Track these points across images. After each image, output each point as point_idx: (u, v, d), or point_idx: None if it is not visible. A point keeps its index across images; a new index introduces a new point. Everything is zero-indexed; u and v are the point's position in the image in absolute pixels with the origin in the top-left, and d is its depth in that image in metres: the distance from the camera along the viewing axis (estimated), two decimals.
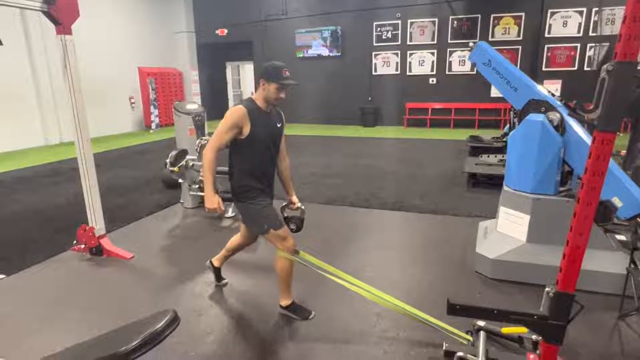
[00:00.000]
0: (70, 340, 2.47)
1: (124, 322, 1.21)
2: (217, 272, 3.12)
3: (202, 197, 5.03)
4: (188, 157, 4.77)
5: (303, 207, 2.80)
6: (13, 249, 3.94)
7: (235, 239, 2.94)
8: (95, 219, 3.68)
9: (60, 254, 3.77)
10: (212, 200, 2.42)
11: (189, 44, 14.62)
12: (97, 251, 3.69)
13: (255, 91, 2.59)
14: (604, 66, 1.65)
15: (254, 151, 2.53)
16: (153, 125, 12.85)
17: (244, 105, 2.49)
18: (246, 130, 2.47)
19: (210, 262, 3.09)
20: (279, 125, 2.66)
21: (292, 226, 2.74)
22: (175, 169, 4.60)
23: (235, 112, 2.46)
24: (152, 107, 12.83)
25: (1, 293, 3.15)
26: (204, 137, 4.93)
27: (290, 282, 2.69)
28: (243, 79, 15.98)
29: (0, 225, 4.65)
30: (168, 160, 4.62)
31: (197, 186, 4.93)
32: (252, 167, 2.55)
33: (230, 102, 16.31)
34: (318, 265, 2.69)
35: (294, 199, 2.82)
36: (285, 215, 2.78)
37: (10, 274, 3.41)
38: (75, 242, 3.73)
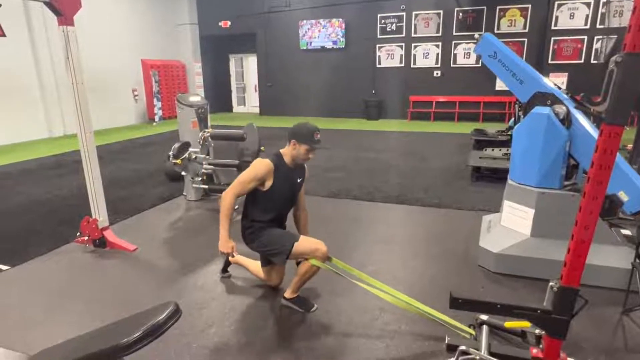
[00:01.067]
0: (73, 331, 2.48)
1: (126, 314, 1.21)
2: (227, 264, 3.17)
3: (205, 190, 5.04)
4: (191, 149, 4.76)
5: None
6: (17, 240, 3.96)
7: (259, 273, 2.96)
8: (99, 211, 3.69)
9: (63, 245, 3.79)
10: (227, 246, 2.54)
11: (192, 36, 14.57)
12: (101, 243, 3.70)
13: (285, 146, 2.65)
14: (613, 58, 1.62)
15: (269, 203, 2.63)
16: (156, 118, 12.85)
17: (271, 160, 2.56)
18: (268, 184, 2.56)
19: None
20: (299, 181, 2.74)
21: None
22: (178, 161, 4.60)
23: (262, 166, 2.54)
24: (155, 100, 12.82)
25: (5, 284, 3.17)
26: (206, 130, 4.92)
27: (306, 282, 2.68)
28: (246, 71, 15.91)
29: (4, 217, 4.67)
30: (171, 153, 4.62)
31: (200, 179, 4.93)
32: (265, 214, 2.64)
33: (234, 95, 16.29)
34: (350, 272, 2.67)
35: None
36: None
37: (14, 265, 3.43)
38: (78, 234, 3.75)
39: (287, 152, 2.61)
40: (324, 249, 2.52)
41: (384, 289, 2.57)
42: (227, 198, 2.51)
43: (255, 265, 3.00)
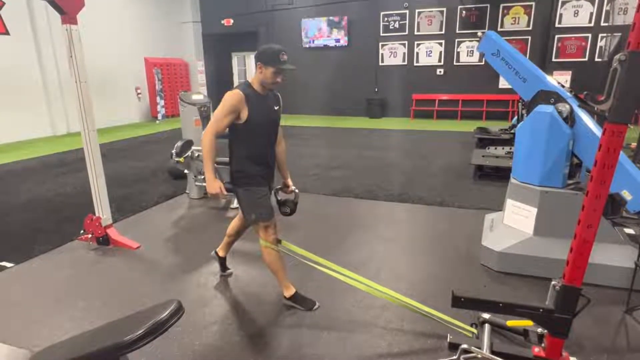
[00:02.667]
0: (76, 328, 2.50)
1: (129, 311, 1.21)
2: (222, 261, 3.14)
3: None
4: (194, 147, 4.77)
5: (297, 190, 2.82)
6: (21, 238, 3.98)
7: (234, 223, 2.97)
8: (102, 209, 3.71)
9: (67, 243, 3.81)
10: (214, 185, 2.43)
11: (195, 34, 14.57)
12: (104, 241, 3.72)
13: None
14: (617, 56, 1.61)
15: (252, 135, 2.52)
16: (159, 116, 12.88)
17: (240, 89, 2.46)
18: (244, 114, 2.45)
19: (215, 252, 3.11)
20: (276, 108, 2.64)
21: (286, 209, 2.77)
22: (181, 159, 4.61)
23: (232, 96, 2.43)
24: (158, 98, 12.84)
25: (10, 281, 3.20)
26: None
27: (283, 271, 2.69)
28: (249, 69, 15.91)
29: (8, 214, 4.70)
30: (174, 151, 4.63)
31: (203, 177, 4.93)
32: (250, 151, 2.54)
33: None
34: (303, 255, 2.71)
35: (289, 182, 2.84)
36: (279, 198, 2.79)
37: (18, 262, 3.45)
38: (82, 231, 3.77)
39: (255, 78, 2.51)
40: (273, 234, 2.60)
41: (344, 272, 2.63)
42: (207, 139, 2.42)
43: (230, 228, 2.99)
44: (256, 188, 2.57)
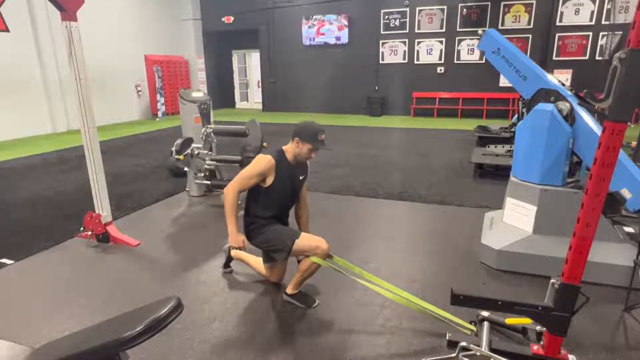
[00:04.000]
0: (76, 325, 2.51)
1: (128, 308, 1.21)
2: (229, 259, 3.18)
3: (207, 186, 5.05)
4: (193, 145, 4.77)
5: None
6: (21, 235, 3.99)
7: (261, 269, 2.97)
8: (102, 206, 3.71)
9: (67, 240, 3.82)
10: (237, 240, 2.56)
11: (195, 32, 14.54)
12: (104, 238, 3.72)
13: (288, 143, 2.64)
14: (617, 54, 1.61)
15: (271, 199, 2.62)
16: (159, 114, 12.87)
17: (273, 156, 2.55)
18: (269, 180, 2.55)
19: (230, 247, 3.12)
20: (301, 178, 2.73)
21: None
22: (181, 157, 4.61)
23: (264, 162, 2.53)
24: (158, 95, 12.83)
25: (10, 278, 3.20)
26: (209, 126, 4.92)
27: (307, 278, 2.70)
28: (249, 67, 15.89)
29: (9, 211, 4.70)
30: (174, 149, 4.63)
31: (203, 174, 4.94)
32: (266, 210, 2.64)
33: (237, 91, 16.27)
34: (351, 270, 2.68)
35: None
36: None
37: (18, 259, 3.46)
38: (82, 228, 3.77)
39: (290, 149, 2.61)
40: (324, 247, 2.52)
41: (385, 286, 2.57)
42: (230, 194, 2.52)
43: (256, 261, 3.01)
44: (270, 227, 2.64)
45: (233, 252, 3.11)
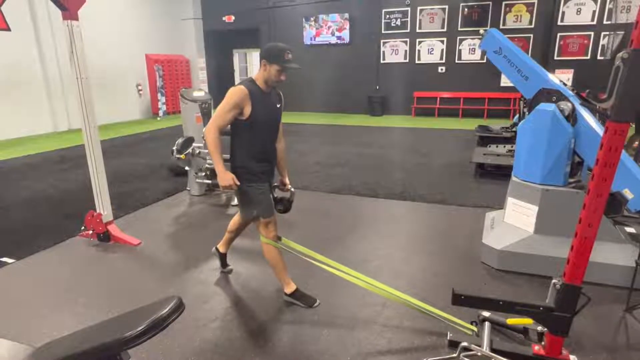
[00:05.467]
0: (77, 324, 2.51)
1: (130, 307, 1.21)
2: (222, 258, 3.15)
3: (208, 185, 5.05)
4: (195, 144, 4.77)
5: (293, 189, 2.83)
6: (22, 234, 3.99)
7: (235, 219, 2.97)
8: (103, 206, 3.71)
9: (68, 239, 3.82)
10: (226, 177, 2.44)
11: (196, 31, 14.54)
12: (105, 237, 3.72)
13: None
14: (619, 54, 1.61)
15: (254, 132, 2.52)
16: (160, 113, 12.87)
17: (245, 85, 2.47)
18: (247, 110, 2.46)
19: (216, 248, 3.12)
20: (278, 106, 2.66)
21: (280, 207, 2.77)
22: (182, 156, 4.61)
23: (236, 92, 2.43)
24: (159, 95, 12.83)
25: (11, 277, 3.21)
26: None
27: (283, 268, 2.71)
28: (250, 66, 15.89)
29: (10, 210, 4.71)
30: (175, 148, 4.64)
31: (204, 174, 4.94)
32: (252, 148, 2.55)
33: None
34: (303, 252, 2.72)
35: (286, 180, 2.85)
36: (275, 195, 2.80)
37: (19, 258, 3.46)
38: (83, 228, 3.77)
39: (259, 75, 2.52)
40: (273, 231, 2.64)
41: (343, 269, 2.64)
42: (210, 134, 2.42)
43: (231, 225, 2.99)
44: (257, 184, 2.58)
45: (220, 247, 3.10)
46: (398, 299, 2.54)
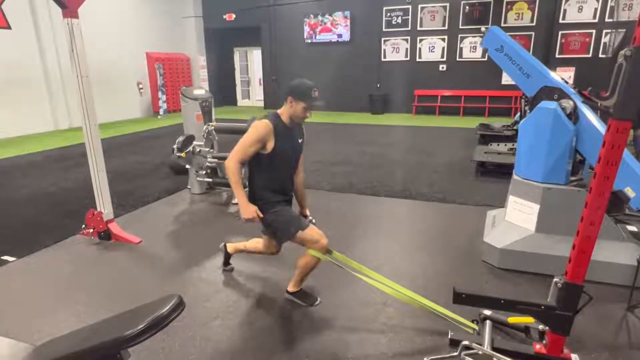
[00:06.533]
0: (78, 323, 2.51)
1: (130, 306, 1.21)
2: (227, 257, 3.16)
3: (209, 183, 5.05)
4: (195, 143, 4.77)
5: (314, 220, 2.78)
6: (23, 232, 3.99)
7: (257, 245, 2.93)
8: (104, 204, 3.71)
9: (69, 238, 3.82)
10: (249, 210, 2.44)
11: (197, 29, 14.51)
12: (105, 235, 3.72)
13: (282, 105, 2.56)
14: (622, 52, 1.60)
15: (274, 166, 2.54)
16: (161, 111, 12.86)
17: (270, 120, 2.47)
18: (270, 145, 2.47)
19: (225, 245, 3.11)
20: (300, 141, 2.67)
21: None
22: (183, 154, 4.61)
23: (261, 127, 2.44)
24: (159, 93, 12.82)
25: (12, 275, 3.21)
26: (211, 123, 4.92)
27: (308, 275, 2.69)
28: (251, 64, 15.87)
29: (10, 208, 4.71)
30: (175, 146, 4.63)
31: (204, 172, 4.93)
32: (271, 181, 2.57)
33: (238, 88, 16.26)
34: (350, 265, 2.65)
35: (307, 212, 2.82)
36: None
37: (20, 256, 3.46)
38: (83, 226, 3.77)
39: (284, 111, 2.52)
40: (324, 242, 2.51)
41: (385, 282, 2.57)
42: (232, 166, 2.41)
43: (252, 243, 2.96)
44: (278, 207, 2.58)
45: (229, 247, 3.09)
46: (425, 308, 2.47)
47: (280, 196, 2.61)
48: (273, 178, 2.56)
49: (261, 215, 2.48)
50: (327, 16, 12.90)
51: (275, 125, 2.47)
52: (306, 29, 13.24)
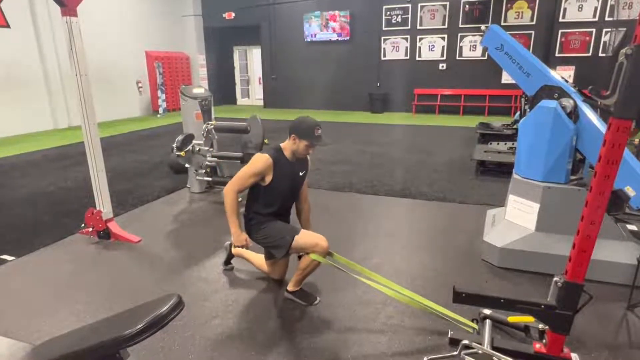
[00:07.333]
0: (77, 322, 2.51)
1: (129, 305, 1.21)
2: (229, 256, 3.17)
3: (209, 182, 5.05)
4: (195, 142, 4.76)
5: None
6: (22, 231, 3.99)
7: (262, 264, 2.95)
8: (103, 203, 3.70)
9: (68, 237, 3.81)
10: (240, 239, 2.57)
11: (197, 28, 14.50)
12: (105, 234, 3.72)
13: (286, 140, 2.62)
14: (623, 50, 1.59)
15: (271, 197, 2.61)
16: (160, 110, 12.85)
17: (271, 155, 2.53)
18: (268, 179, 2.54)
19: (230, 245, 3.13)
20: (301, 174, 2.70)
21: None
22: (182, 153, 4.60)
23: (261, 161, 2.50)
24: (159, 92, 12.81)
25: (11, 274, 3.20)
26: (210, 122, 4.91)
27: (308, 276, 2.69)
28: (250, 63, 15.85)
29: (10, 208, 4.70)
30: (175, 145, 4.62)
31: (204, 171, 4.93)
32: (266, 209, 2.63)
33: (238, 87, 16.25)
34: (351, 267, 2.64)
35: None
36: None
37: (19, 256, 3.46)
38: (83, 225, 3.77)
39: (287, 146, 2.59)
40: (324, 244, 2.50)
41: (386, 284, 2.56)
42: (229, 195, 2.52)
43: (258, 259, 2.99)
44: (270, 224, 2.62)
45: (234, 250, 3.10)
46: (426, 308, 2.45)
47: (275, 219, 2.67)
48: (270, 206, 2.64)
49: (250, 243, 2.60)
50: (326, 14, 12.87)
51: (276, 160, 2.53)
52: (306, 27, 13.22)
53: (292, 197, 2.77)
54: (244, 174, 2.52)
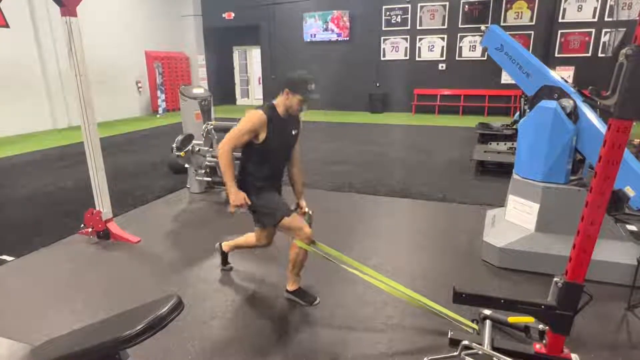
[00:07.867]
0: (76, 323, 2.50)
1: (129, 305, 1.21)
2: (224, 256, 3.15)
3: (208, 183, 5.04)
4: (194, 142, 4.75)
5: (311, 212, 2.77)
6: (22, 231, 3.98)
7: (250, 238, 2.93)
8: (102, 203, 3.70)
9: (67, 237, 3.80)
10: (238, 197, 2.46)
11: (196, 28, 14.49)
12: (104, 235, 3.71)
13: (276, 96, 2.57)
14: (623, 50, 1.59)
15: (265, 156, 2.56)
16: (160, 110, 12.84)
17: (264, 111, 2.48)
18: (262, 136, 2.48)
19: (220, 245, 3.11)
20: (294, 133, 2.66)
21: None
22: (182, 153, 4.59)
23: (255, 117, 2.45)
24: (158, 92, 12.80)
25: (10, 275, 3.20)
26: (210, 122, 4.90)
27: (301, 269, 2.69)
28: (250, 63, 15.85)
29: (9, 208, 4.70)
30: (174, 145, 4.61)
31: (203, 171, 4.92)
32: (262, 168, 2.58)
33: (238, 87, 16.24)
34: (334, 255, 2.66)
35: (302, 203, 2.81)
36: None
37: (19, 256, 3.45)
38: (82, 225, 3.76)
39: (280, 102, 2.52)
40: (307, 230, 2.54)
41: (372, 274, 2.58)
42: (224, 152, 2.44)
43: (244, 238, 2.96)
44: (266, 192, 2.59)
45: (224, 244, 3.07)
46: (424, 306, 2.48)
47: (270, 183, 2.62)
48: (264, 166, 2.58)
49: (249, 202, 2.49)
50: (326, 14, 12.86)
51: (269, 117, 2.47)
52: (305, 27, 13.21)
53: (286, 157, 2.70)
54: (239, 131, 2.44)
